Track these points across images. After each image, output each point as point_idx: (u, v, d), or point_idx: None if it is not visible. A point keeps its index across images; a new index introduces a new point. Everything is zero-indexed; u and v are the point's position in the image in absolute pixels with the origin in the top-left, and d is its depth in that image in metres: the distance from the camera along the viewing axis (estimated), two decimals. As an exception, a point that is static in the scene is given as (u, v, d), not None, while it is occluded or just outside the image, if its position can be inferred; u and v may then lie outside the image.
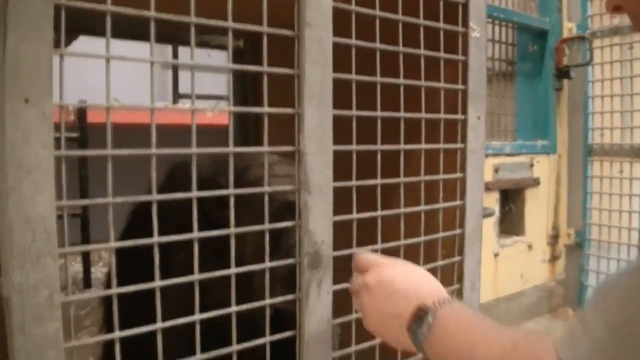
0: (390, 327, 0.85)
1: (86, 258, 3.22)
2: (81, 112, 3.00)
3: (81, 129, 3.02)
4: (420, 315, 0.81)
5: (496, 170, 2.48)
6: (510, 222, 2.73)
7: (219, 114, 3.44)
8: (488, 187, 2.37)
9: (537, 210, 2.78)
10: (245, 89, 2.01)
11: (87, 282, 3.20)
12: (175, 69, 4.46)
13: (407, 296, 0.84)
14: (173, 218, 0.84)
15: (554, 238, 2.86)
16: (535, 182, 2.69)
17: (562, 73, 2.76)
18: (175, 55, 4.46)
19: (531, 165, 2.68)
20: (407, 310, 0.83)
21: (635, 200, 2.68)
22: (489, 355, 0.71)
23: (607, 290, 0.62)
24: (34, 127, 0.70)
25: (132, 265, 0.82)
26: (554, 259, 2.88)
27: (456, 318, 0.80)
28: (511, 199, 2.70)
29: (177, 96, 4.37)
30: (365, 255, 0.94)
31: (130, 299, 0.81)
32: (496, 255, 2.57)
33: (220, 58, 2.66)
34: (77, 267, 3.32)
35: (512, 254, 2.65)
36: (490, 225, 2.49)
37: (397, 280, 0.86)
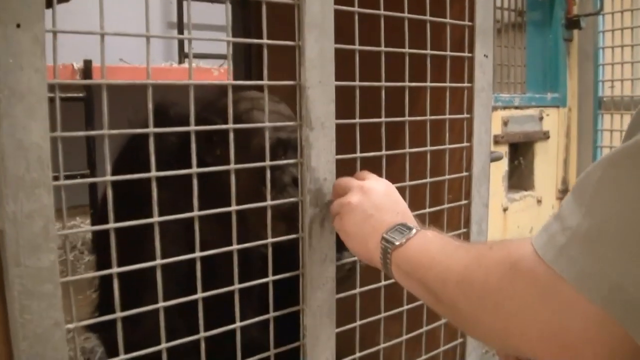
0: (366, 239, 0.84)
1: (95, 219, 3.22)
2: (86, 71, 2.97)
3: (87, 89, 3.01)
4: (398, 227, 0.81)
5: (505, 123, 2.43)
6: (520, 176, 2.69)
7: (225, 72, 3.41)
8: (497, 140, 2.33)
9: (546, 165, 2.74)
10: (247, 21, 2.00)
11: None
12: (180, 27, 4.40)
13: (390, 210, 0.85)
14: (160, 156, 0.81)
15: (563, 193, 2.82)
16: (545, 136, 2.64)
17: (572, 23, 2.67)
18: (180, 12, 4.39)
19: (541, 119, 2.62)
20: (386, 222, 0.83)
21: (646, 152, 2.63)
22: (450, 269, 0.69)
23: (583, 181, 0.58)
24: (26, 52, 0.67)
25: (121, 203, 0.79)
26: (563, 213, 2.85)
27: (434, 238, 0.78)
28: (520, 152, 2.65)
29: (182, 56, 4.32)
30: (346, 178, 0.93)
31: (125, 239, 0.80)
32: (505, 209, 2.54)
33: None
34: (83, 228, 3.33)
35: (522, 208, 2.62)
36: (499, 180, 2.46)
37: (380, 196, 0.87)
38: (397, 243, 0.79)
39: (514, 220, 2.58)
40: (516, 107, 2.53)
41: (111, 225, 0.76)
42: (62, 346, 0.74)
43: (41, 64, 0.69)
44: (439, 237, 0.78)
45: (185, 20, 4.26)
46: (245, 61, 2.16)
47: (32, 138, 0.69)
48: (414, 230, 0.80)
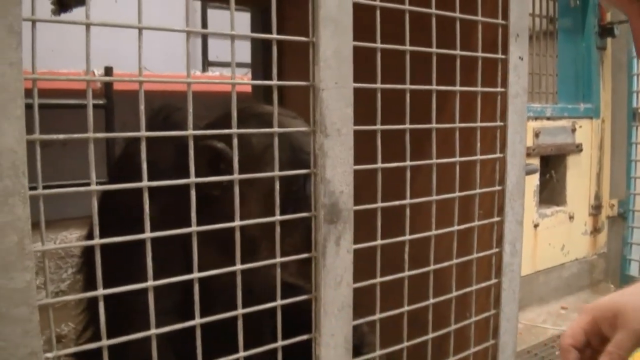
0: None
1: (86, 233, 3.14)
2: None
3: (107, 97, 2.96)
4: None
5: (537, 135, 2.31)
6: (551, 191, 2.56)
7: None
8: (528, 153, 2.21)
9: (579, 179, 2.60)
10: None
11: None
12: (205, 36, 4.37)
13: None
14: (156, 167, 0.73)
15: (597, 209, 2.68)
16: (578, 148, 2.51)
17: (606, 30, 2.56)
18: (204, 20, 4.33)
19: (573, 130, 2.50)
20: None
21: (683, 167, 2.49)
22: None
23: None
24: (-1, 43, 0.59)
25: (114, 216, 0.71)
26: (595, 231, 2.71)
27: None
28: (552, 165, 2.53)
29: (206, 64, 4.27)
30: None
31: (116, 257, 0.71)
32: (536, 226, 2.41)
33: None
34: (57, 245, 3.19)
35: (553, 224, 2.49)
36: (530, 194, 2.34)
37: None
38: None
39: (545, 237, 2.45)
40: (548, 118, 2.41)
41: (97, 241, 0.67)
42: (39, 379, 0.65)
43: (16, 57, 0.60)
44: None
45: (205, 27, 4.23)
46: (265, 69, 2.10)
47: (6, 141, 0.60)
48: None
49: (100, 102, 2.93)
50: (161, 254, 0.72)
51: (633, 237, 2.70)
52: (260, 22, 2.10)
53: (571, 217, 2.58)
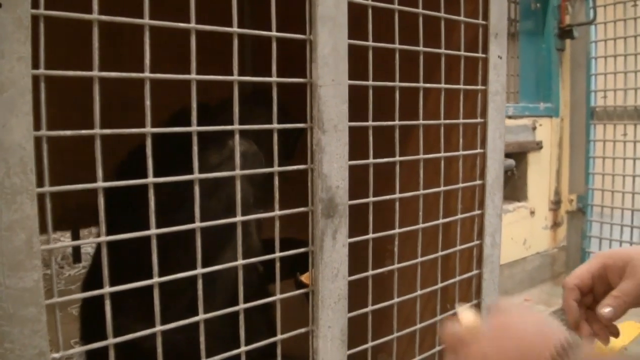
0: None
1: (75, 233, 3.09)
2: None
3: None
4: None
5: (500, 133, 2.38)
6: (513, 187, 2.65)
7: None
8: (492, 150, 2.28)
9: (539, 176, 2.69)
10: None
11: (76, 257, 3.08)
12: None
13: None
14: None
15: (556, 204, 2.78)
16: (538, 146, 2.60)
17: (565, 32, 2.66)
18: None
19: (534, 128, 2.59)
20: None
21: (639, 163, 2.60)
22: None
23: None
24: (8, 37, 0.58)
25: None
26: (556, 225, 2.80)
27: None
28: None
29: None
30: (453, 331, 0.62)
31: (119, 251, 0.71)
32: (499, 221, 2.48)
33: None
34: (66, 242, 3.18)
35: (515, 219, 2.57)
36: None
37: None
38: None
39: (507, 232, 2.52)
40: (510, 117, 2.49)
41: (103, 238, 0.67)
42: (47, 379, 0.64)
43: (25, 51, 0.59)
44: None
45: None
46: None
47: (14, 137, 0.59)
48: None
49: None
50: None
51: (592, 231, 2.81)
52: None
53: (532, 212, 2.67)
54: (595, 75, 2.73)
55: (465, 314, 0.59)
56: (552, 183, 2.77)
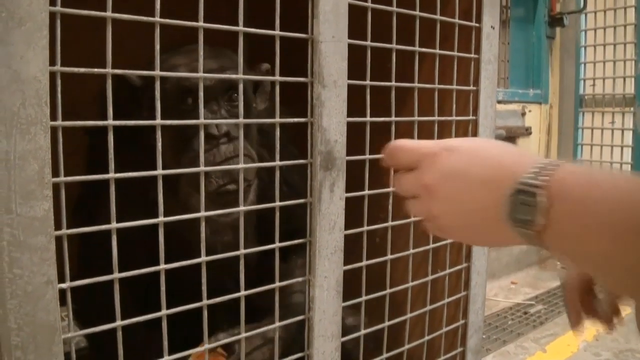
0: (479, 225, 0.57)
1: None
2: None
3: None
4: (522, 195, 0.50)
5: (490, 116, 2.42)
6: (502, 171, 2.69)
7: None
8: (482, 133, 2.32)
9: (528, 161, 2.74)
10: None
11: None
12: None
13: (491, 179, 0.54)
14: None
15: (544, 190, 2.83)
16: (527, 132, 2.65)
17: (555, 20, 2.70)
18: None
19: (523, 114, 2.63)
20: (499, 197, 0.52)
21: (627, 151, 2.65)
22: None
23: None
24: (26, -27, 0.60)
25: None
26: (543, 210, 2.85)
27: (588, 181, 0.47)
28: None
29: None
30: (399, 145, 0.63)
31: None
32: (487, 205, 2.52)
33: None
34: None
35: (503, 204, 2.61)
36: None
37: (466, 165, 0.57)
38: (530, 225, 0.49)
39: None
40: (499, 102, 2.52)
41: (114, 225, 0.69)
42: (54, 308, 0.66)
43: (42, -14, 0.62)
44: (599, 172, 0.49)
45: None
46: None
47: (30, 70, 0.62)
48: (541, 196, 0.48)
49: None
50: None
51: (578, 217, 2.85)
52: None
53: (521, 197, 2.71)
54: (585, 64, 2.78)
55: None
56: (540, 169, 2.81)
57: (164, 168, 0.73)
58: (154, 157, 0.72)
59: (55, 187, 0.65)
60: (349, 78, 0.90)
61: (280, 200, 0.86)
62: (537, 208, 0.48)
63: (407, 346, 1.09)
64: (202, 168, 0.77)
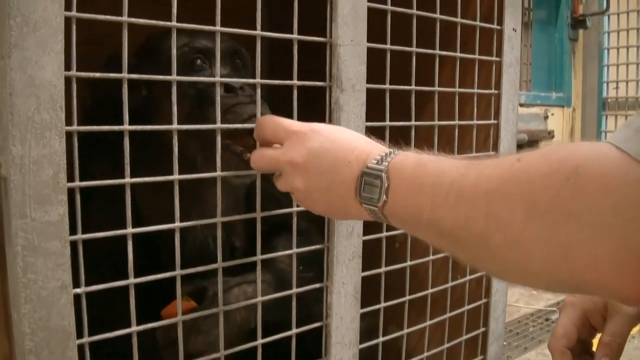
0: (336, 201, 0.64)
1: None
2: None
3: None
4: (368, 177, 0.60)
5: (511, 120, 2.39)
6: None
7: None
8: (503, 137, 2.29)
9: (550, 165, 2.70)
10: None
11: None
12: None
13: (349, 160, 0.63)
14: None
15: (566, 194, 2.79)
16: (550, 135, 2.61)
17: (578, 22, 2.66)
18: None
19: (546, 117, 2.59)
20: (352, 177, 0.62)
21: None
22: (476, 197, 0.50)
23: None
24: (41, -23, 0.60)
25: None
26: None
27: (417, 163, 0.57)
28: (525, 151, 2.61)
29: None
30: (270, 120, 0.71)
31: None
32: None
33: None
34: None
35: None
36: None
37: (329, 146, 0.64)
38: (374, 202, 0.59)
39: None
40: (521, 105, 2.48)
41: (129, 230, 0.69)
42: (69, 313, 0.66)
43: (58, -10, 0.61)
44: (425, 169, 0.57)
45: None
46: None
47: (45, 75, 0.61)
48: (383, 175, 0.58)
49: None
50: None
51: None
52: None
53: (543, 202, 2.68)
54: (608, 66, 2.73)
55: None
56: (562, 173, 2.77)
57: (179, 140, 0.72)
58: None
59: (70, 192, 0.64)
60: (368, 82, 0.88)
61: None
62: (379, 188, 0.58)
63: (426, 353, 1.07)
64: (218, 125, 0.75)
